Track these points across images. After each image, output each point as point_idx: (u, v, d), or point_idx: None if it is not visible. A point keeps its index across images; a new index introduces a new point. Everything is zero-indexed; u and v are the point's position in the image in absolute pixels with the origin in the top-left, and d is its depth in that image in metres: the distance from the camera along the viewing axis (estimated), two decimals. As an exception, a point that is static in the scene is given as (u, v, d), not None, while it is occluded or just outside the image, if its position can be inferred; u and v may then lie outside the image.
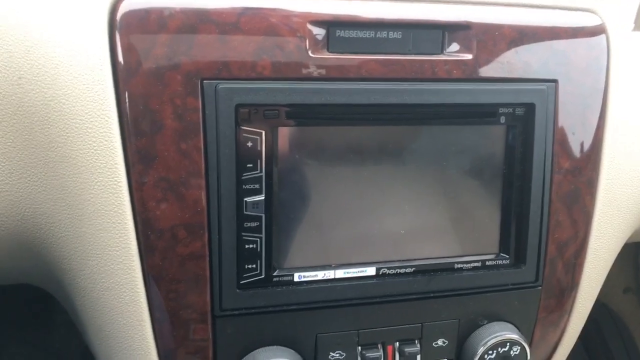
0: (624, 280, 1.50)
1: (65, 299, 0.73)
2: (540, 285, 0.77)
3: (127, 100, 0.60)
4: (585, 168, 0.76)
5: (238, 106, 0.63)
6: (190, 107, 0.62)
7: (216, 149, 0.63)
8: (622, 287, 1.51)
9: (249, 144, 0.64)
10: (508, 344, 0.75)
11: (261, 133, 0.65)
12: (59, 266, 0.66)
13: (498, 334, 0.75)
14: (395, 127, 0.70)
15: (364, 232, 0.71)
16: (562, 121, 0.74)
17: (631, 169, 0.79)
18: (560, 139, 0.74)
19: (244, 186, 0.65)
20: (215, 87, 0.62)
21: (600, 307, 1.54)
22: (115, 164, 0.61)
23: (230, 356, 0.68)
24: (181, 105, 0.61)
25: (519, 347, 0.76)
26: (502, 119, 0.72)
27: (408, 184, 0.71)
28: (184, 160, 0.62)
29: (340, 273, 0.70)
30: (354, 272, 0.70)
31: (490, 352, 0.75)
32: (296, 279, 0.68)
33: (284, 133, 0.66)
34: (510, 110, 0.72)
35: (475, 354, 0.75)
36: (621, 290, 1.51)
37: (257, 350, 0.68)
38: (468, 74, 0.70)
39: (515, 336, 0.75)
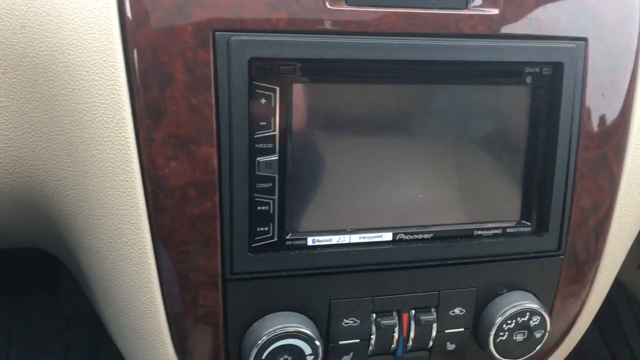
0: (638, 257, 1.46)
1: (73, 261, 0.71)
2: (562, 254, 0.74)
3: (134, 51, 0.57)
4: (613, 133, 0.72)
5: (251, 60, 0.60)
6: (201, 60, 0.59)
7: (228, 105, 0.60)
8: (636, 263, 1.48)
9: (263, 100, 0.61)
10: (528, 313, 0.72)
11: (275, 89, 0.62)
12: (65, 225, 0.64)
13: (517, 303, 0.73)
14: (416, 87, 0.66)
15: (381, 196, 0.68)
16: (591, 82, 0.70)
17: (662, 134, 0.76)
18: (588, 102, 0.70)
19: (256, 145, 0.62)
20: (228, 39, 0.59)
21: (613, 283, 1.51)
22: (123, 118, 0.58)
23: (241, 321, 0.66)
24: (192, 58, 0.58)
25: (539, 317, 0.73)
26: (529, 79, 0.69)
27: (427, 146, 0.68)
28: (195, 116, 0.59)
29: (355, 238, 0.67)
30: (369, 237, 0.68)
31: (509, 321, 0.72)
32: (310, 243, 0.66)
33: (299, 90, 0.63)
34: (537, 69, 0.69)
35: (493, 323, 0.72)
36: (635, 266, 1.48)
37: (268, 315, 0.66)
38: (493, 30, 0.66)
39: (535, 306, 0.73)
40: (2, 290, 1.27)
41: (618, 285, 1.51)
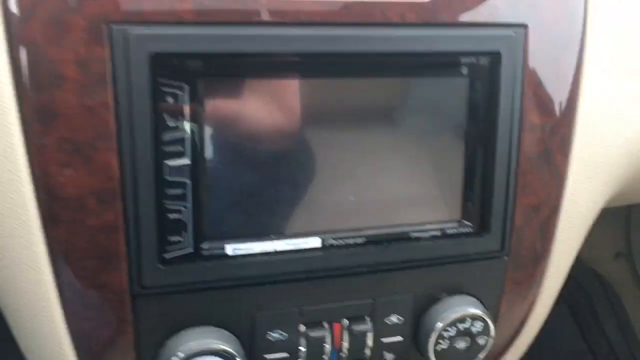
0: (615, 246, 1.44)
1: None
2: (506, 255, 0.70)
3: (21, 48, 0.52)
4: (557, 125, 0.68)
5: (154, 55, 0.54)
6: (95, 56, 0.53)
7: (128, 106, 0.54)
8: (612, 253, 1.45)
9: (170, 99, 0.56)
10: (469, 319, 0.68)
11: (183, 87, 0.56)
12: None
13: (458, 308, 0.68)
14: (341, 80, 0.61)
15: (308, 199, 0.63)
16: (532, 72, 0.66)
17: (610, 126, 0.71)
18: (530, 93, 0.66)
19: (164, 148, 0.57)
20: (126, 32, 0.53)
21: (589, 274, 1.48)
22: (8, 123, 0.52)
23: (154, 339, 0.60)
24: (85, 55, 0.53)
25: (482, 323, 0.69)
26: (465, 70, 0.64)
27: (357, 144, 0.63)
28: (91, 119, 0.54)
29: (280, 245, 0.62)
30: (296, 244, 0.63)
31: (450, 328, 0.68)
32: (229, 252, 0.61)
33: (211, 87, 0.57)
34: (473, 59, 0.64)
35: (432, 330, 0.68)
36: (611, 256, 1.45)
37: (183, 331, 0.61)
38: (424, 18, 0.61)
39: (477, 311, 0.68)
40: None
41: (595, 277, 1.48)
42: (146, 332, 0.60)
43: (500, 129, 0.65)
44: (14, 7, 0.51)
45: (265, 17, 0.57)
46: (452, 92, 0.65)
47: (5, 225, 0.54)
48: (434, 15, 0.61)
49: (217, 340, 0.60)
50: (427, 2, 0.61)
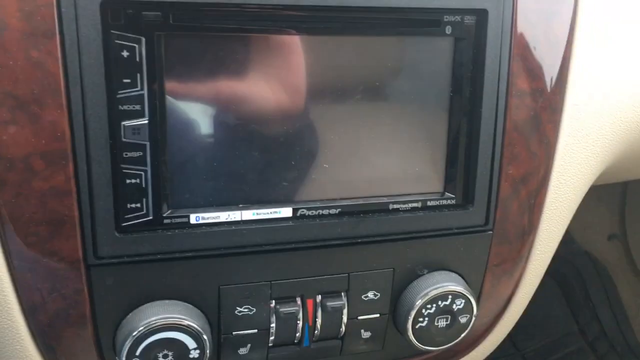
0: (609, 227, 1.40)
1: None
2: (490, 230, 0.66)
3: (-44, -8, 0.47)
4: (547, 91, 0.64)
5: (105, 3, 0.50)
6: (41, 2, 0.49)
7: (78, 58, 0.50)
8: (605, 233, 1.42)
9: (125, 53, 0.51)
10: (450, 296, 0.64)
11: (140, 40, 0.52)
12: None
13: (439, 285, 0.64)
14: (314, 38, 0.57)
15: (278, 166, 0.58)
16: (521, 33, 0.61)
17: (603, 92, 0.67)
18: (518, 55, 0.62)
19: (120, 107, 0.52)
20: None
21: (582, 256, 1.45)
22: (-57, 74, 0.48)
23: (113, 312, 0.57)
24: (30, 1, 0.48)
25: (463, 300, 0.65)
26: (448, 29, 0.60)
27: (333, 108, 0.59)
28: (36, 72, 0.49)
29: (248, 214, 0.58)
30: (265, 214, 0.59)
31: (429, 305, 0.64)
32: (193, 220, 0.57)
33: (172, 41, 0.53)
34: (458, 18, 0.59)
35: (412, 307, 0.64)
36: (605, 238, 1.42)
37: (145, 305, 0.57)
38: (404, -29, 0.56)
39: (459, 288, 0.65)
40: None
41: (587, 258, 1.45)
42: (103, 305, 0.56)
43: (486, 94, 0.61)
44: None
45: (230, -35, 0.52)
46: (436, 54, 0.60)
47: (-57, 186, 0.50)
48: (415, -32, 0.56)
49: (181, 315, 0.56)
50: (408, -46, 0.56)
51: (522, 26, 0.61)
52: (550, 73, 0.63)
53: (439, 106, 0.62)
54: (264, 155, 0.58)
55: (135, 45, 0.51)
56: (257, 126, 0.57)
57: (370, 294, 0.64)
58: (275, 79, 0.56)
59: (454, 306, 0.65)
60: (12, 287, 0.54)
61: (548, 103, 0.64)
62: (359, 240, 0.62)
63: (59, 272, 0.54)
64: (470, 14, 0.59)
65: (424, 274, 0.65)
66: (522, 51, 0.62)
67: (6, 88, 0.49)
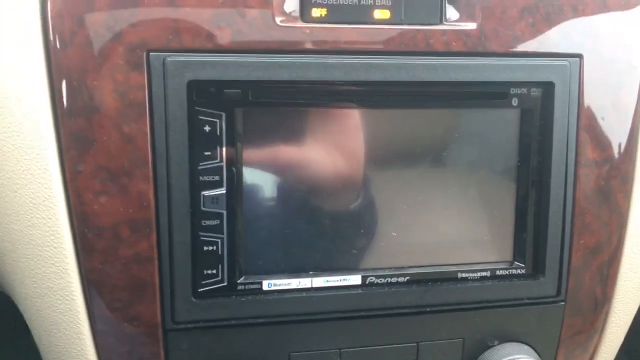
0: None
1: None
2: (563, 300, 0.65)
3: (59, 74, 0.52)
4: (617, 160, 0.64)
5: (191, 83, 0.53)
6: (134, 83, 0.53)
7: (165, 134, 0.53)
8: None
9: (207, 128, 0.55)
10: (523, 369, 0.63)
11: (221, 115, 0.55)
12: (-4, 269, 0.58)
13: (511, 357, 0.63)
14: (384, 111, 0.59)
15: (348, 234, 0.60)
16: (589, 104, 0.62)
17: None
18: (586, 125, 0.62)
19: (200, 178, 0.55)
20: (164, 60, 0.53)
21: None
22: (45, 148, 0.52)
23: None
24: (123, 82, 0.53)
25: (537, 374, 0.63)
26: (515, 101, 0.61)
27: (401, 178, 0.60)
28: (127, 146, 0.53)
29: (318, 281, 0.59)
30: (335, 281, 0.60)
31: (502, 378, 0.63)
32: (265, 287, 0.58)
33: (249, 116, 0.56)
34: (524, 90, 0.61)
35: (483, 380, 0.63)
36: None
37: (217, 371, 0.58)
38: (470, 47, 0.59)
39: (532, 360, 0.63)
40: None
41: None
42: None
43: (555, 164, 0.61)
44: (52, 34, 0.52)
45: (304, 46, 0.55)
46: (502, 125, 0.62)
47: (40, 252, 0.53)
48: (481, 44, 0.59)
49: (251, 382, 0.57)
50: (473, 30, 0.58)
51: (589, 97, 0.62)
52: (619, 142, 0.63)
53: (506, 175, 0.63)
54: (334, 223, 0.59)
55: (216, 120, 0.55)
56: (327, 195, 0.59)
57: (440, 365, 0.63)
58: (345, 150, 0.59)
59: (527, 380, 0.63)
60: (94, 351, 0.56)
61: (618, 172, 0.64)
62: (428, 309, 0.62)
63: (138, 337, 0.56)
64: (537, 87, 0.61)
65: (494, 345, 0.64)
66: (589, 121, 0.62)
67: (100, 161, 0.53)
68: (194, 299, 0.56)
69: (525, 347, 0.65)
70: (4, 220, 0.54)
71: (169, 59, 0.53)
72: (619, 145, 0.64)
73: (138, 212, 0.54)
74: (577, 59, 0.61)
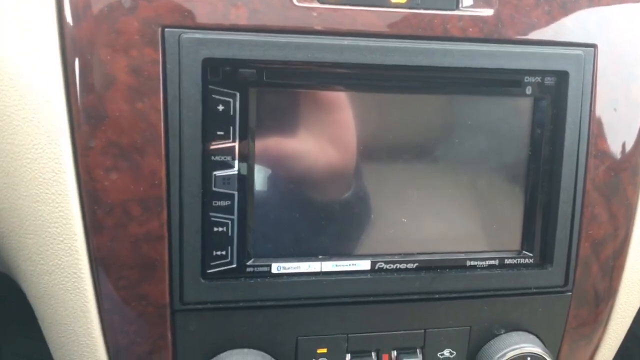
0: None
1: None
2: (570, 291, 0.65)
3: (72, 49, 0.51)
4: (628, 152, 0.64)
5: (206, 61, 0.53)
6: (148, 59, 0.52)
7: (178, 111, 0.53)
8: None
9: (220, 107, 0.54)
10: (528, 358, 0.63)
11: (235, 95, 0.54)
12: (0, 243, 0.57)
13: (517, 346, 0.63)
14: (397, 96, 0.59)
15: (358, 219, 0.60)
16: (602, 94, 0.62)
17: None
18: (598, 116, 0.62)
19: (212, 157, 0.55)
20: (179, 36, 0.52)
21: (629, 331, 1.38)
22: (56, 123, 0.51)
23: (194, 358, 0.57)
24: (137, 57, 0.52)
25: (542, 364, 0.63)
26: (528, 90, 0.61)
27: (412, 164, 0.60)
28: (140, 123, 0.52)
29: (327, 265, 0.59)
30: (344, 266, 0.59)
31: (507, 367, 0.63)
32: (274, 270, 0.58)
33: (263, 96, 0.55)
34: (538, 79, 0.61)
35: (488, 368, 0.63)
36: None
37: (224, 353, 0.57)
38: (486, 34, 0.58)
39: (537, 350, 0.63)
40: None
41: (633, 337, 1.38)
42: (185, 350, 0.57)
43: (566, 154, 0.61)
44: (66, 7, 0.51)
45: (320, 26, 0.55)
46: (515, 114, 0.61)
47: (48, 228, 0.53)
48: (497, 31, 0.58)
49: (258, 364, 0.57)
50: (490, 16, 0.58)
51: (602, 88, 0.62)
52: (630, 134, 0.63)
53: (517, 164, 0.63)
54: (344, 208, 0.59)
55: (230, 100, 0.54)
56: (340, 183, 0.58)
57: (446, 352, 0.63)
58: (358, 135, 0.58)
59: (532, 369, 0.63)
60: (100, 329, 0.56)
61: (628, 164, 0.64)
62: (436, 296, 0.62)
63: (145, 316, 0.55)
64: (551, 75, 0.60)
65: (501, 334, 0.64)
66: (602, 112, 0.62)
67: (112, 137, 0.52)
68: (202, 280, 0.56)
69: (532, 336, 0.65)
70: (12, 195, 0.53)
71: (184, 35, 0.52)
72: (631, 137, 0.63)
73: (149, 190, 0.53)
74: (592, 49, 0.61)
